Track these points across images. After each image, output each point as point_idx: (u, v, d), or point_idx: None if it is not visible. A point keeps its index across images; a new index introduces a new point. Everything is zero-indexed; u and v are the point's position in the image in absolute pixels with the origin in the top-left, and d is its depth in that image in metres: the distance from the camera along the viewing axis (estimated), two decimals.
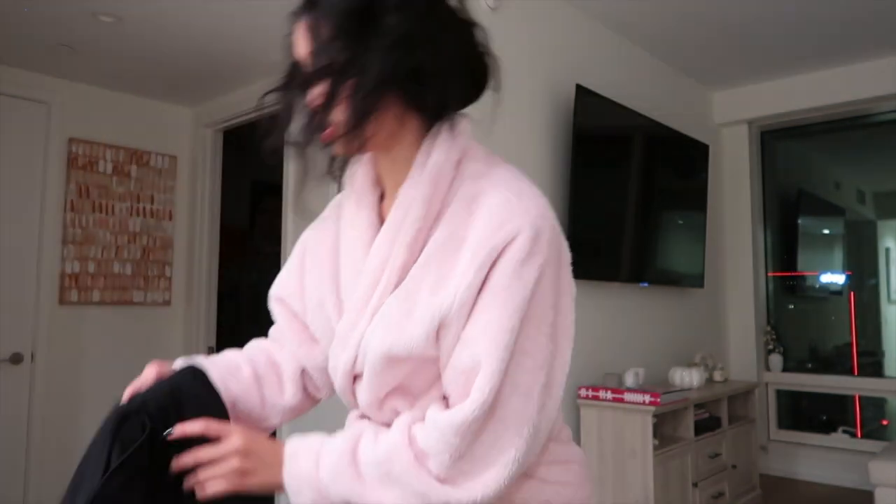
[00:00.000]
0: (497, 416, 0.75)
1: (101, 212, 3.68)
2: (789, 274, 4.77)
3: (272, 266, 4.22)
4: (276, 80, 0.86)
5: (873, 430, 4.42)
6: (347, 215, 0.94)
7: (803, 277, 4.80)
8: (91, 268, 3.62)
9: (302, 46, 0.83)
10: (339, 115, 0.79)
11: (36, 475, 3.35)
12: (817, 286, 4.92)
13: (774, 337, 4.51)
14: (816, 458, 4.27)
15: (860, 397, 4.45)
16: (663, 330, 3.86)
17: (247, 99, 3.76)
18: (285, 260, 3.31)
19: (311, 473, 0.79)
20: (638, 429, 2.89)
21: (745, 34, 3.65)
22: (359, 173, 0.94)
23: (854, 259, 4.96)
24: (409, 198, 0.82)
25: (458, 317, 0.76)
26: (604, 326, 3.35)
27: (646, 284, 3.66)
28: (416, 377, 0.82)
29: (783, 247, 4.81)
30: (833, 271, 4.94)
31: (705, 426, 3.36)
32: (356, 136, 0.80)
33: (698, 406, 3.36)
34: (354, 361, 0.85)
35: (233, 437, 0.81)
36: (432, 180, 0.82)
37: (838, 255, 5.01)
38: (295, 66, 0.85)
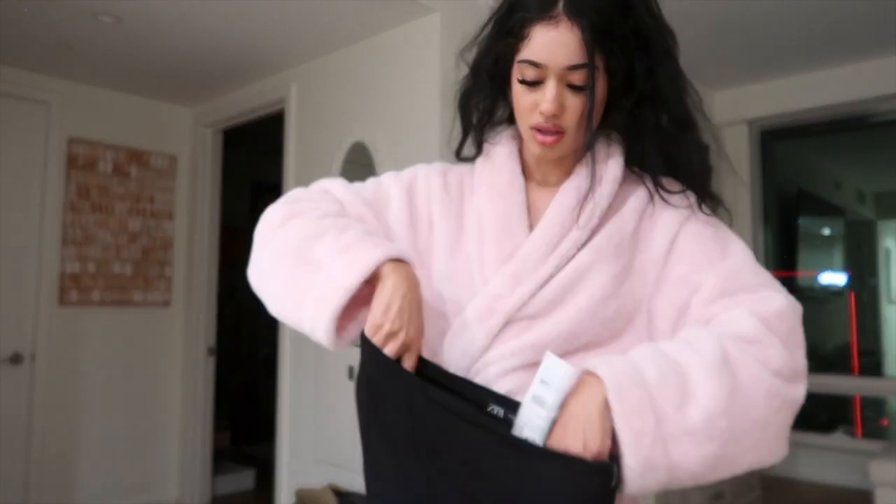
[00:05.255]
0: None
1: (101, 212, 3.68)
2: (789, 274, 4.77)
3: None
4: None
5: (873, 430, 4.43)
6: (481, 188, 0.98)
7: (803, 277, 4.79)
8: (91, 268, 3.62)
9: (562, 51, 0.85)
10: (572, 120, 0.88)
11: (36, 476, 3.33)
12: (817, 286, 4.92)
13: None
14: (816, 458, 4.27)
15: (860, 397, 4.45)
16: None
17: (247, 99, 3.76)
18: None
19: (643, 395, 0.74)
20: None
21: (746, 34, 3.65)
22: (504, 157, 0.98)
23: (854, 259, 4.96)
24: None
25: None
26: None
27: None
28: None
29: (783, 247, 4.81)
30: (833, 271, 4.94)
31: None
32: (582, 145, 0.91)
33: None
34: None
35: None
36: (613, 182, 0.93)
37: (838, 255, 5.01)
38: (535, 65, 0.86)
